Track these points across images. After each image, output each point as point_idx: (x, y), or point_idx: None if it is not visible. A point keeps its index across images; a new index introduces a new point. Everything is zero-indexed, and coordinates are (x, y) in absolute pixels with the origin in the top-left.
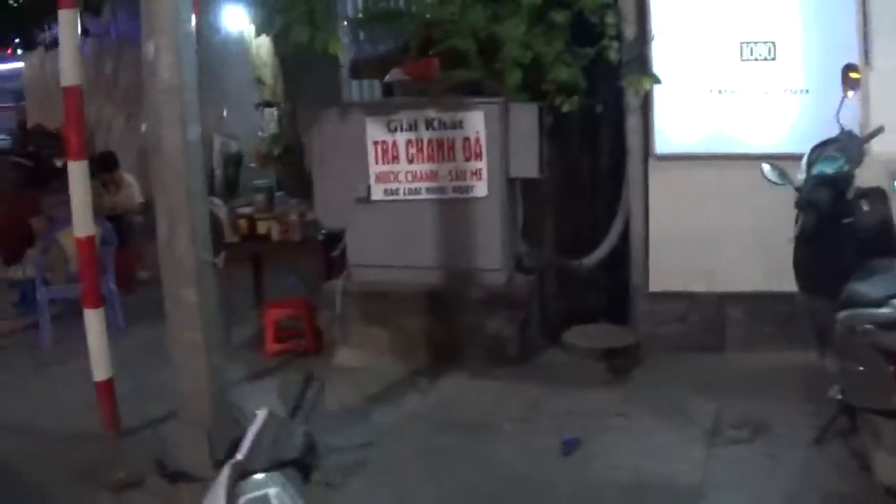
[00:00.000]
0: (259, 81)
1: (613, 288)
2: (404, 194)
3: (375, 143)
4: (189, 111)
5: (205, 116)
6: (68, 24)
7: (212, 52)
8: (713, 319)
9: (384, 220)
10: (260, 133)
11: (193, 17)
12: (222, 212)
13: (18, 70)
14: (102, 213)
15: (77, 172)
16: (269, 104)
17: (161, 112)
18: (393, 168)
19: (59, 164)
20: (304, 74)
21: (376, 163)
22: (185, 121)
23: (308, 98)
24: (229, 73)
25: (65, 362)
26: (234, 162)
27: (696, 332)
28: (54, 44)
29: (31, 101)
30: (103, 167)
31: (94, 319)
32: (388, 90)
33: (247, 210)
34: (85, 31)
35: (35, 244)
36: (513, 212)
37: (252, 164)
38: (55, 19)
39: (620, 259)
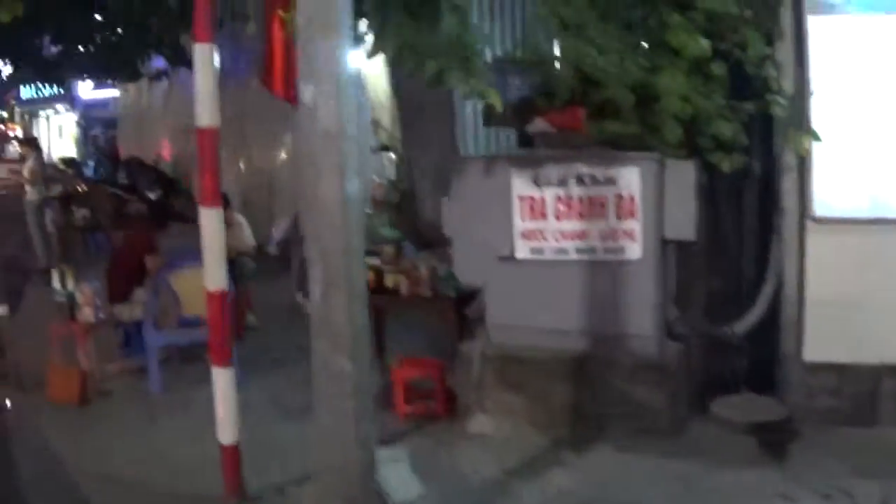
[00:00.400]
0: (376, 124)
1: (756, 355)
2: (551, 254)
3: (521, 198)
4: (349, 161)
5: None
6: (205, 58)
7: None
8: (868, 392)
9: (528, 279)
10: (375, 178)
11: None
12: None
13: (106, 100)
14: None
15: (210, 220)
16: (385, 148)
17: (318, 161)
18: (540, 225)
19: (152, 196)
20: (422, 119)
21: (522, 219)
22: (345, 171)
23: (424, 144)
24: None
25: (176, 413)
26: None
27: (850, 404)
28: (158, 76)
29: (123, 132)
30: None
31: (223, 379)
32: (524, 141)
33: (373, 261)
34: (187, 63)
35: (145, 284)
36: (664, 275)
37: (367, 210)
38: (158, 51)
39: (765, 325)
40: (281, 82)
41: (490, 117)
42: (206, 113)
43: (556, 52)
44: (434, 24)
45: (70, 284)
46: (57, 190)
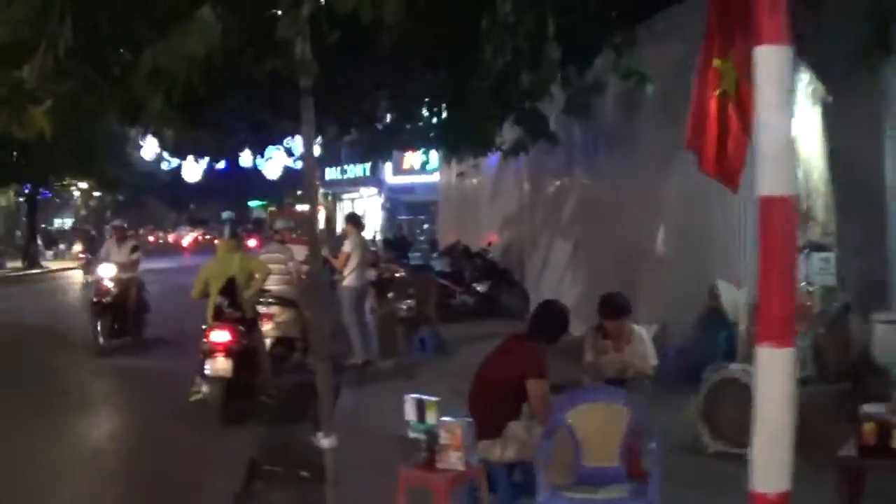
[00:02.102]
0: (806, 216)
1: None
2: None
3: None
4: None
5: (704, 256)
6: (778, 70)
7: None
8: None
9: None
10: (803, 284)
11: None
12: None
13: (412, 185)
14: (605, 376)
15: (775, 365)
16: (819, 247)
17: None
18: None
19: (480, 288)
20: (853, 213)
21: None
22: None
23: (852, 245)
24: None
25: None
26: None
27: None
28: (517, 149)
29: (443, 217)
30: (608, 313)
31: None
32: None
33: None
34: (549, 136)
35: (523, 416)
36: None
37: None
38: (516, 120)
39: None
40: (713, 156)
41: None
42: (774, 170)
43: None
44: None
45: (431, 417)
46: (372, 275)
